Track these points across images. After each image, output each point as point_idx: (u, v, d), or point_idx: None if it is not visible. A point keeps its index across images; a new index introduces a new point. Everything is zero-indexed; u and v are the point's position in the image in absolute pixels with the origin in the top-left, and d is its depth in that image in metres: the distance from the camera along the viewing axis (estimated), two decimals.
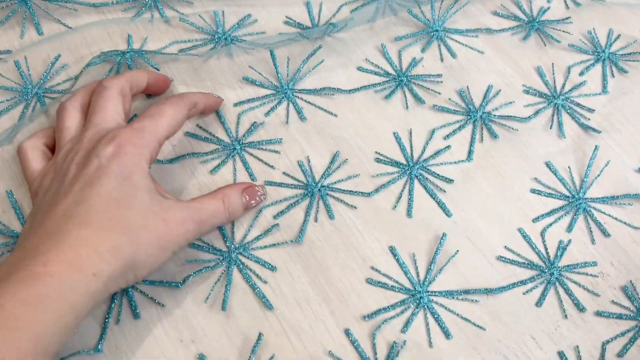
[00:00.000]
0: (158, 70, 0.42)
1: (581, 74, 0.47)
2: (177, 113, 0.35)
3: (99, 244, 0.29)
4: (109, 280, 0.29)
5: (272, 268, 0.37)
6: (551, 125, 0.44)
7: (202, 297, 0.35)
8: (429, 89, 0.44)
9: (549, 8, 0.50)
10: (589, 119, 0.44)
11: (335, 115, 0.43)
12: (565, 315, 0.37)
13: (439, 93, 0.44)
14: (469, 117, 0.43)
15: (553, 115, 0.44)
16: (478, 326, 0.36)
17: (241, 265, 0.36)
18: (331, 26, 0.44)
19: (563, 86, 0.46)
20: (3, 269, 0.28)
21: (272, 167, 0.40)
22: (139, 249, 0.30)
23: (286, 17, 0.47)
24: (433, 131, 0.42)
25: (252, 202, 0.37)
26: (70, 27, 0.45)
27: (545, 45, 0.48)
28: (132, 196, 0.31)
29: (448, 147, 0.42)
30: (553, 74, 0.46)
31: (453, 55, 0.46)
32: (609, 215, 0.40)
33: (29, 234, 0.31)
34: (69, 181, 0.32)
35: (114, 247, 0.29)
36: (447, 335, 0.35)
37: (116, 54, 0.42)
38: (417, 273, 0.37)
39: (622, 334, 0.36)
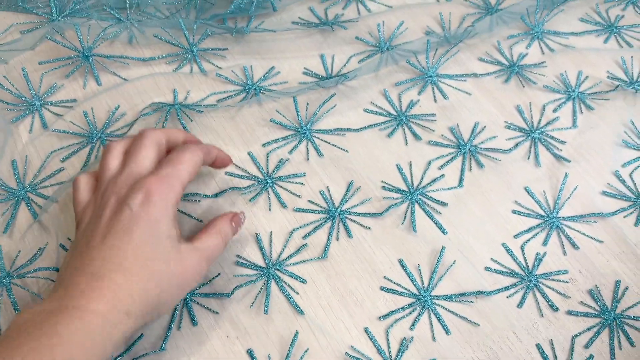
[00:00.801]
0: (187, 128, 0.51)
1: (554, 110, 0.55)
2: (196, 159, 0.40)
3: (131, 288, 0.35)
4: (137, 318, 0.35)
5: (303, 281, 0.45)
6: (529, 156, 0.52)
7: (248, 304, 0.43)
8: (424, 126, 0.53)
9: (527, 54, 0.59)
10: (561, 150, 0.53)
11: (347, 151, 0.51)
12: (542, 314, 0.45)
13: (433, 130, 0.53)
14: (459, 150, 0.52)
15: (530, 147, 0.53)
16: (472, 322, 0.44)
17: (277, 279, 0.44)
18: (343, 77, 0.53)
19: (539, 122, 0.54)
20: (52, 303, 0.33)
21: (298, 196, 0.48)
22: (163, 291, 0.36)
23: (304, 68, 0.55)
24: (429, 162, 0.51)
25: (238, 227, 0.43)
26: (125, 79, 0.53)
27: (524, 86, 0.56)
28: (157, 245, 0.37)
29: (442, 175, 0.50)
30: (530, 111, 0.55)
31: (445, 96, 0.55)
32: (578, 231, 0.49)
33: (71, 272, 0.35)
34: (104, 224, 0.36)
35: (143, 290, 0.35)
36: (446, 331, 0.43)
37: (165, 105, 0.50)
38: (422, 280, 0.45)
39: (589, 329, 0.44)
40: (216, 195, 0.48)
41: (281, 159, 0.50)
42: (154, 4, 0.56)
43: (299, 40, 0.57)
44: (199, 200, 0.46)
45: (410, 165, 0.51)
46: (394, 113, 0.53)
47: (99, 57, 0.54)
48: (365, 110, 0.53)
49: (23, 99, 0.51)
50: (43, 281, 0.43)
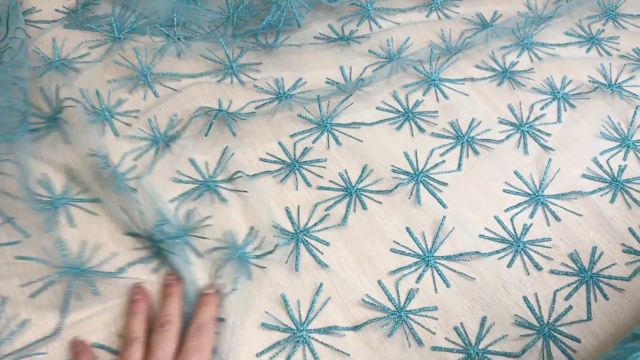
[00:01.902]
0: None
1: (541, 108, 0.64)
2: (212, 341, 0.45)
3: None
4: None
5: (326, 243, 0.53)
6: (518, 146, 0.61)
7: (283, 261, 0.52)
8: (428, 121, 0.62)
9: (517, 62, 0.68)
10: (547, 141, 0.61)
11: (362, 141, 0.60)
12: (528, 273, 0.53)
13: (436, 124, 0.62)
14: (457, 140, 0.61)
15: (520, 138, 0.61)
16: (469, 277, 0.52)
17: (305, 242, 0.53)
18: (361, 81, 0.62)
19: (528, 117, 0.63)
20: None
21: (321, 177, 0.57)
22: None
23: (327, 78, 0.65)
24: (432, 150, 0.60)
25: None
26: (175, 90, 0.63)
27: (514, 89, 0.65)
28: None
29: (443, 161, 0.59)
30: (520, 109, 0.64)
31: (446, 97, 0.64)
32: (560, 207, 0.57)
33: None
34: None
35: None
36: (447, 284, 0.52)
37: (213, 110, 0.59)
38: (426, 244, 0.54)
39: (569, 285, 0.52)
40: (252, 176, 0.57)
41: (306, 147, 0.59)
42: (197, 22, 0.67)
43: (321, 53, 0.67)
44: (241, 176, 0.55)
45: (416, 152, 0.60)
46: (402, 110, 0.63)
47: (155, 74, 0.63)
48: (377, 108, 0.63)
49: (95, 110, 0.60)
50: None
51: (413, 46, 0.68)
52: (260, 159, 0.58)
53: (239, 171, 0.56)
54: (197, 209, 0.54)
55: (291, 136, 0.60)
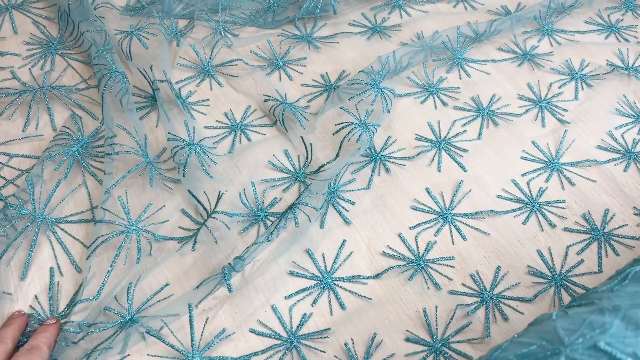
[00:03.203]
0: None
1: (560, 87, 0.68)
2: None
3: None
4: None
5: (352, 202, 0.58)
6: (536, 119, 0.65)
7: (316, 221, 0.56)
8: (450, 96, 0.67)
9: (538, 46, 0.72)
10: (564, 115, 0.65)
11: (389, 112, 0.65)
12: (542, 229, 0.56)
13: (458, 99, 0.66)
14: (478, 113, 0.65)
15: (538, 113, 0.65)
16: (484, 232, 0.56)
17: (334, 201, 0.58)
18: (402, 68, 0.67)
19: (546, 95, 0.67)
20: None
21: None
22: None
23: (368, 67, 0.70)
24: (454, 121, 0.64)
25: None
26: (236, 75, 0.68)
27: (534, 69, 0.70)
28: None
29: (465, 130, 0.64)
30: (539, 87, 0.68)
31: (468, 75, 0.69)
32: (575, 173, 0.60)
33: None
34: None
35: None
36: (463, 237, 0.56)
37: (276, 100, 0.63)
38: (444, 203, 0.58)
39: (581, 242, 0.56)
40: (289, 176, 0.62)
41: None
42: (241, 4, 0.73)
43: (359, 48, 0.72)
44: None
45: (439, 123, 0.64)
46: (427, 85, 0.67)
47: (216, 67, 0.68)
48: (403, 84, 0.68)
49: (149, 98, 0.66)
50: None
51: (440, 37, 0.73)
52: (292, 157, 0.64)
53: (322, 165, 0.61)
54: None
55: (334, 134, 0.65)
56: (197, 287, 0.49)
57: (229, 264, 0.50)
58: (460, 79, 0.68)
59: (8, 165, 0.58)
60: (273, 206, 0.57)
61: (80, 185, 0.57)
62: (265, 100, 0.64)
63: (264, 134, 0.63)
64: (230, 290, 0.51)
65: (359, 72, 0.65)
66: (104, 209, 0.53)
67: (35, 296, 0.50)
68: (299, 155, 0.61)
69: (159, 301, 0.50)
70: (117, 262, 0.51)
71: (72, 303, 0.50)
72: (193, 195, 0.55)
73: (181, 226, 0.55)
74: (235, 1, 0.74)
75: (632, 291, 0.37)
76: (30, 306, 0.50)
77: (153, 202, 0.56)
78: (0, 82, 0.65)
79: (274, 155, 0.61)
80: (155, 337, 0.47)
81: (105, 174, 0.56)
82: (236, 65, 0.69)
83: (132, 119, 0.59)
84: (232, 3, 0.74)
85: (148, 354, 0.48)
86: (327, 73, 0.69)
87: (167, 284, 0.51)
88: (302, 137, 0.61)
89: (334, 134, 0.62)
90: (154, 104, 0.64)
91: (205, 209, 0.55)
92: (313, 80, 0.68)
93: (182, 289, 0.51)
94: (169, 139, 0.59)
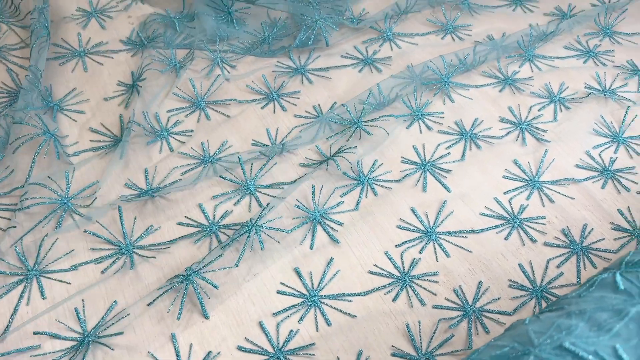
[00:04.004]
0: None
1: (539, 110, 0.71)
2: None
3: None
4: None
5: (340, 223, 0.61)
6: (517, 139, 0.68)
7: (303, 242, 0.59)
8: (435, 120, 0.70)
9: (519, 71, 0.76)
10: (543, 135, 0.68)
11: (372, 134, 0.68)
12: (524, 244, 0.59)
13: (442, 123, 0.70)
14: (462, 136, 0.68)
15: (519, 134, 0.69)
16: (466, 250, 0.59)
17: (323, 223, 0.61)
18: (393, 99, 0.71)
19: (526, 117, 0.70)
20: None
21: (338, 167, 0.65)
22: None
23: (358, 99, 0.74)
24: (438, 144, 0.68)
25: None
26: (228, 115, 0.71)
27: (514, 93, 0.73)
28: None
29: (448, 153, 0.67)
30: (519, 110, 0.71)
31: (452, 100, 0.72)
32: (555, 191, 0.63)
33: None
34: None
35: None
36: (447, 254, 0.58)
37: (268, 146, 0.66)
38: (429, 222, 0.61)
39: (560, 255, 0.58)
40: (292, 181, 0.66)
41: (341, 148, 0.68)
42: (239, 35, 0.78)
43: (351, 79, 0.76)
44: (281, 188, 0.63)
45: (424, 146, 0.68)
46: (411, 111, 0.71)
47: (209, 103, 0.72)
48: (390, 116, 0.71)
49: (155, 129, 0.68)
50: None
51: (429, 72, 0.76)
52: (301, 164, 0.67)
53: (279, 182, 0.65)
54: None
55: (328, 137, 0.69)
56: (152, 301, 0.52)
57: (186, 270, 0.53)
58: (444, 103, 0.72)
59: None
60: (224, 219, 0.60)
61: None
62: (252, 144, 0.67)
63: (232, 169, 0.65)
64: (207, 317, 0.53)
65: (341, 105, 0.69)
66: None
67: None
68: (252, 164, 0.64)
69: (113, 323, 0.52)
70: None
71: None
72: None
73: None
74: (233, 32, 0.79)
75: (598, 296, 0.40)
76: None
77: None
78: None
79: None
80: None
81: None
82: (229, 104, 0.72)
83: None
84: (230, 34, 0.78)
85: None
86: (319, 104, 0.72)
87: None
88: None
89: (300, 165, 0.66)
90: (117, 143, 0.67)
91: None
92: (306, 111, 0.72)
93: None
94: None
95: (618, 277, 0.39)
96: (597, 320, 0.36)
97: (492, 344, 0.42)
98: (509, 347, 0.39)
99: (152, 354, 0.51)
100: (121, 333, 0.51)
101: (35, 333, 0.51)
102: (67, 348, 0.50)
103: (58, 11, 0.83)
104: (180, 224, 0.60)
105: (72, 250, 0.57)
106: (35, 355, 0.50)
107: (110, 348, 0.51)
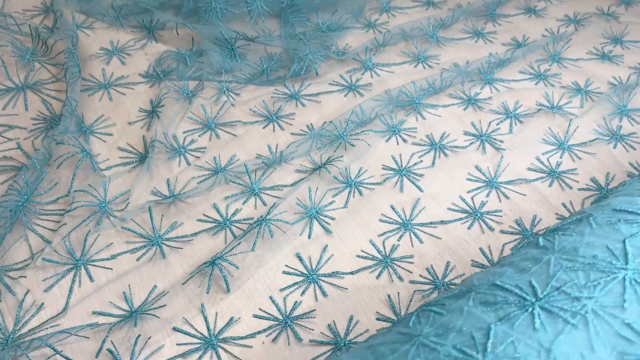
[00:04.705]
0: None
1: (497, 124, 0.85)
2: None
3: None
4: None
5: (332, 218, 0.73)
6: (478, 149, 0.81)
7: (302, 233, 0.72)
8: (409, 135, 0.83)
9: (480, 92, 0.90)
10: (500, 145, 0.82)
11: (354, 145, 0.81)
12: (483, 232, 0.72)
13: (415, 137, 0.83)
14: (432, 147, 0.81)
15: (479, 145, 0.82)
16: (436, 237, 0.71)
17: (318, 218, 0.73)
18: (375, 118, 0.84)
19: (486, 130, 0.84)
20: None
21: (329, 172, 0.78)
22: None
23: (347, 120, 0.88)
24: (412, 154, 0.81)
25: None
26: (234, 135, 0.85)
27: (476, 111, 0.87)
28: None
29: (421, 160, 0.80)
30: (480, 125, 0.85)
31: (424, 118, 0.86)
32: (509, 189, 0.76)
33: None
34: None
35: None
36: (420, 241, 0.71)
37: (267, 158, 0.82)
38: (405, 215, 0.74)
39: (514, 240, 0.71)
40: (294, 183, 0.78)
41: (330, 157, 0.81)
42: (241, 68, 0.91)
43: (338, 103, 0.89)
44: (281, 189, 0.77)
45: (400, 156, 0.81)
46: (389, 127, 0.84)
47: (218, 125, 0.86)
48: (371, 130, 0.84)
49: (174, 147, 0.82)
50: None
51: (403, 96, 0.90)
52: (296, 170, 0.80)
53: (279, 185, 0.78)
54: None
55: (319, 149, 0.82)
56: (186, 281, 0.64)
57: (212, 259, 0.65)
58: (417, 120, 0.85)
59: None
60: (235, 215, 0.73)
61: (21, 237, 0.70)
62: (256, 157, 0.80)
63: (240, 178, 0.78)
64: (228, 290, 0.65)
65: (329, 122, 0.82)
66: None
67: None
68: (255, 171, 0.77)
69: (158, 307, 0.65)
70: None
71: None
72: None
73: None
74: (236, 65, 0.92)
75: (524, 251, 0.52)
76: None
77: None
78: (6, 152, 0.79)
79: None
80: (180, 331, 0.62)
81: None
82: (235, 125, 0.85)
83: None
84: (233, 67, 0.92)
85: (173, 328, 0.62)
86: (311, 124, 0.86)
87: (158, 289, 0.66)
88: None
89: (296, 171, 0.78)
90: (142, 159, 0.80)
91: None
92: (300, 129, 0.85)
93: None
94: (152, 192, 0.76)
95: (540, 239, 0.52)
96: (521, 266, 0.49)
97: (448, 293, 0.54)
98: (457, 290, 0.51)
99: (186, 320, 0.62)
100: (164, 306, 0.63)
101: (94, 312, 0.63)
102: (119, 321, 0.62)
103: (84, 51, 0.96)
104: (199, 220, 0.72)
105: (111, 243, 0.69)
106: (96, 326, 0.61)
107: (156, 317, 0.62)
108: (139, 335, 0.61)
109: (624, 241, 0.48)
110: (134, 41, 0.99)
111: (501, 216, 0.73)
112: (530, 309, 0.44)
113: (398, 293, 0.66)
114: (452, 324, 0.45)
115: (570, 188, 0.76)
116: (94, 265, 0.67)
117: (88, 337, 0.61)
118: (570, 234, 0.52)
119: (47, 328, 0.61)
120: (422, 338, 0.45)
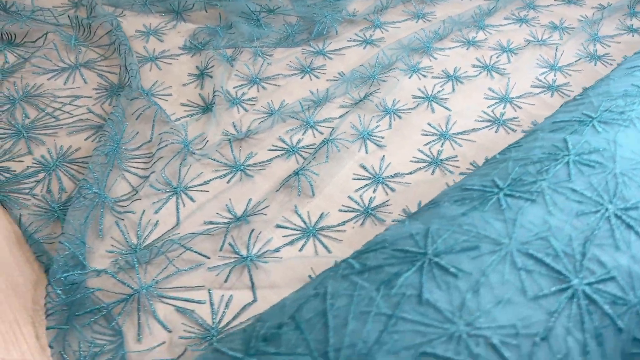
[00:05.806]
0: None
1: (497, 57, 1.01)
2: None
3: None
4: None
5: (382, 137, 0.87)
6: (487, 76, 0.97)
7: (359, 150, 0.85)
8: (428, 72, 0.98)
9: (476, 36, 1.05)
10: (504, 71, 0.97)
11: (385, 81, 0.95)
12: (446, 175, 0.86)
13: (433, 72, 0.98)
14: (449, 78, 0.96)
15: (487, 73, 0.97)
16: (471, 141, 0.85)
17: (370, 137, 0.86)
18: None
19: (490, 62, 0.99)
20: None
21: (371, 102, 0.91)
22: None
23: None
24: (434, 85, 0.95)
25: None
26: (279, 85, 0.98)
27: (477, 49, 1.02)
28: None
29: (442, 89, 0.94)
30: (483, 59, 1.00)
31: (435, 58, 1.01)
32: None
33: None
34: None
35: None
36: (459, 145, 0.85)
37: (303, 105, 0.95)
38: (442, 128, 0.87)
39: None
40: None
41: (366, 92, 0.94)
42: (269, 34, 1.04)
43: (358, 55, 1.03)
44: (331, 121, 0.89)
45: (425, 87, 0.95)
46: (409, 67, 0.98)
47: (262, 79, 0.99)
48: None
49: (230, 98, 0.93)
50: None
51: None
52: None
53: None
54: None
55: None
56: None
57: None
58: (430, 61, 1.00)
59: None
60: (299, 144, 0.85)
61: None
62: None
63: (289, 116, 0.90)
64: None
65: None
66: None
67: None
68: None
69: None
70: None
71: None
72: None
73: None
74: (263, 32, 1.05)
75: (486, 164, 0.67)
76: None
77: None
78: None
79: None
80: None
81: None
82: (277, 78, 0.98)
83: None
84: (261, 34, 1.04)
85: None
86: (342, 71, 0.99)
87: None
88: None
89: (340, 107, 0.92)
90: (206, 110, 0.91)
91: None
92: (333, 76, 0.98)
93: None
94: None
95: (497, 155, 0.67)
96: (483, 172, 0.63)
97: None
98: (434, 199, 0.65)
99: (285, 218, 0.74)
100: (266, 208, 0.74)
101: (205, 222, 0.73)
102: (232, 221, 0.73)
103: None
104: (270, 149, 0.84)
105: (202, 172, 0.80)
106: (212, 231, 0.72)
107: (263, 214, 0.73)
108: (252, 230, 0.71)
109: (564, 138, 0.62)
110: (164, 23, 1.10)
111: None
112: (496, 197, 0.55)
113: (454, 180, 0.79)
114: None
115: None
116: (192, 190, 0.78)
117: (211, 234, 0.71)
118: (522, 144, 0.65)
119: (167, 238, 0.71)
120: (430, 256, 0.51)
